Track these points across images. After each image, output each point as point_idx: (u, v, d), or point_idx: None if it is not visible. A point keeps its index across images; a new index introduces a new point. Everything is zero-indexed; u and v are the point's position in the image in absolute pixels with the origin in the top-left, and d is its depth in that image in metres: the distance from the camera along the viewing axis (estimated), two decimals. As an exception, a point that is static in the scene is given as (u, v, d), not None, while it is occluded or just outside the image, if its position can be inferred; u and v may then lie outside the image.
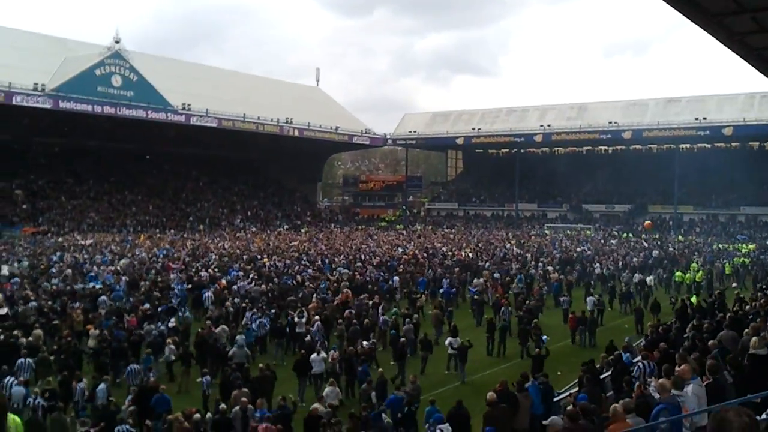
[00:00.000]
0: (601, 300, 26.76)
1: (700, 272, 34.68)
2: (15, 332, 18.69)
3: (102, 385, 14.56)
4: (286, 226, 66.01)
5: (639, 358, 13.70)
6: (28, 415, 13.02)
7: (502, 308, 23.97)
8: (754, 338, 10.40)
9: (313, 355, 17.25)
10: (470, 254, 40.72)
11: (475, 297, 27.42)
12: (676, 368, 10.55)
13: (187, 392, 16.87)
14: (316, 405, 13.44)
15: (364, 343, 18.87)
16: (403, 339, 19.40)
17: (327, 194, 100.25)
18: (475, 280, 30.74)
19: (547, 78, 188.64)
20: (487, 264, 36.75)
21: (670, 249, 46.52)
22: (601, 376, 13.49)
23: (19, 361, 16.31)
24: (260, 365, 16.70)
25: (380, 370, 16.21)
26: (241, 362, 17.19)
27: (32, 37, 59.07)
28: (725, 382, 9.61)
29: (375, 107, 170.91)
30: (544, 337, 19.61)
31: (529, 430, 12.38)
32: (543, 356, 17.47)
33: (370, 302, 24.59)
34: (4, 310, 21.89)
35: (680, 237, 57.62)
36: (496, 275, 32.68)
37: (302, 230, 63.74)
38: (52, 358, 17.07)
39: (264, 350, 21.15)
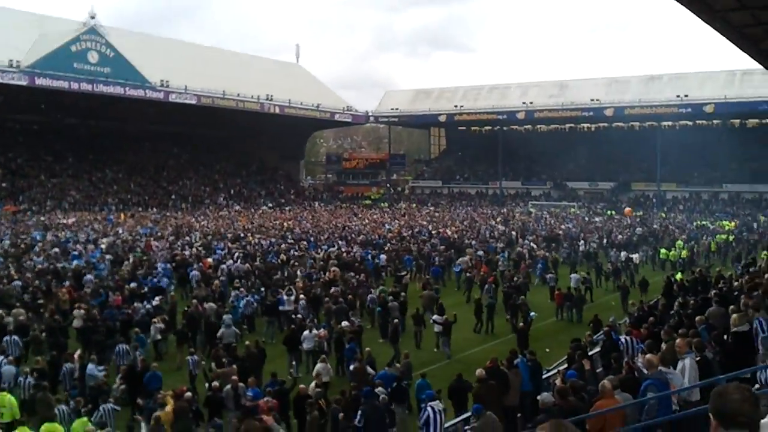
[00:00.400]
0: (588, 277, 26.67)
1: (685, 249, 35.06)
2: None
3: (91, 365, 14.52)
4: (269, 205, 65.70)
5: (623, 335, 13.88)
6: (20, 393, 12.98)
7: (486, 285, 23.85)
8: (735, 315, 10.54)
9: (305, 332, 17.24)
10: (455, 233, 40.70)
11: (467, 274, 27.39)
12: (663, 345, 10.73)
13: (179, 370, 16.80)
14: (309, 384, 13.46)
15: (355, 321, 18.93)
16: (396, 321, 19.17)
17: (310, 172, 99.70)
18: (460, 258, 30.76)
19: (528, 54, 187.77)
20: (473, 242, 36.81)
21: (655, 226, 46.98)
22: (590, 353, 13.64)
23: (6, 338, 16.25)
24: (246, 343, 16.72)
25: (368, 349, 16.25)
26: (230, 342, 17.10)
27: (6, 12, 57.38)
28: (710, 358, 9.78)
29: (355, 84, 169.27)
30: (532, 313, 19.81)
31: (519, 407, 12.53)
32: (526, 329, 17.77)
33: (357, 280, 24.62)
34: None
35: (663, 214, 58.14)
36: (480, 253, 32.81)
37: (286, 209, 63.52)
38: (43, 335, 16.97)
39: (253, 328, 21.09)
